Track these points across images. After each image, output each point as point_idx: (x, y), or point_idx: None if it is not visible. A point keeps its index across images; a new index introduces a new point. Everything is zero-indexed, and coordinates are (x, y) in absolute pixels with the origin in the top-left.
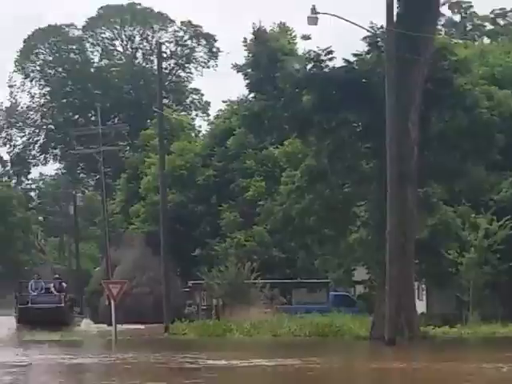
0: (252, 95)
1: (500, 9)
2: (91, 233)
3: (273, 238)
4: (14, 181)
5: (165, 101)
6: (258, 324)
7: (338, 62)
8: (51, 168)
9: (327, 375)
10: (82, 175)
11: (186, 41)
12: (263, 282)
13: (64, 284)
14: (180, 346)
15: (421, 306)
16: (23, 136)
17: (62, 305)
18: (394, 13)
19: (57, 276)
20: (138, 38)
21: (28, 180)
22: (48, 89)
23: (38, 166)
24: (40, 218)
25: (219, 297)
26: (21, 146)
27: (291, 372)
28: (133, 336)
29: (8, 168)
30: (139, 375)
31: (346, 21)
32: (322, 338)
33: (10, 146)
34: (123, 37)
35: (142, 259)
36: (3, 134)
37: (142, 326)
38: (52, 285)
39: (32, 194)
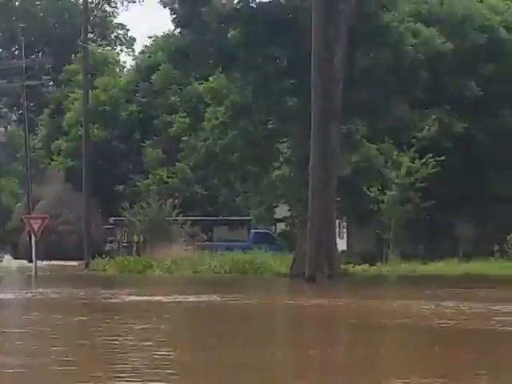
0: (178, 30)
1: None
2: (13, 168)
3: (195, 174)
4: None
5: (90, 35)
6: (179, 261)
7: None
8: None
9: (246, 310)
10: (4, 110)
11: None
12: (184, 218)
13: None
14: (100, 282)
15: (341, 244)
16: None
17: None
18: None
19: None
20: None
21: None
22: None
23: None
24: None
25: (140, 233)
26: None
27: (211, 307)
28: (53, 272)
29: None
30: (60, 310)
31: None
32: (243, 275)
33: None
34: None
35: (64, 195)
36: None
37: (63, 263)
38: None
39: None
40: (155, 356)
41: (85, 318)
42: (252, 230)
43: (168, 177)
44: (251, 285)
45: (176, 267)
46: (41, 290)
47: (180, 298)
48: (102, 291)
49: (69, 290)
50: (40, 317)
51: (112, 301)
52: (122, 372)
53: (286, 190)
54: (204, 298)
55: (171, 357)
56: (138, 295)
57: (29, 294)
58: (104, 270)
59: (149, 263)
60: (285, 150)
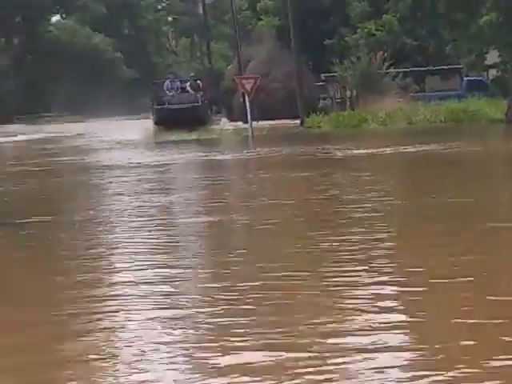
0: None
1: None
2: (222, 31)
3: (403, 26)
4: None
5: None
6: (393, 113)
7: None
8: None
9: (468, 158)
10: None
11: None
12: (396, 71)
13: (200, 82)
14: (316, 138)
15: None
16: None
17: (200, 104)
18: None
19: (192, 75)
20: None
21: None
22: None
23: None
24: (169, 18)
25: (353, 88)
26: None
27: (432, 155)
28: (269, 131)
29: None
30: (284, 165)
31: None
32: (458, 124)
33: None
34: None
35: (274, 54)
36: None
37: (277, 122)
38: (188, 84)
39: None
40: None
41: (308, 174)
42: (464, 78)
43: (376, 30)
44: (469, 132)
45: (390, 120)
46: (259, 150)
47: (401, 149)
48: (321, 146)
49: (287, 147)
50: (267, 174)
51: (333, 155)
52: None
53: (494, 35)
54: (424, 147)
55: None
56: (358, 148)
57: (248, 154)
58: (319, 127)
59: (363, 117)
60: None
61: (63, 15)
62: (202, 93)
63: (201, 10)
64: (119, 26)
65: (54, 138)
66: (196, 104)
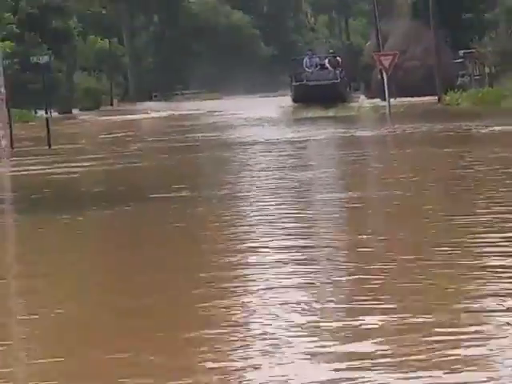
0: None
1: None
2: (360, 8)
3: None
4: None
5: None
6: None
7: None
8: None
9: None
10: None
11: None
12: None
13: (339, 59)
14: (454, 116)
15: None
16: None
17: (338, 80)
18: None
19: (331, 51)
20: None
21: None
22: None
23: None
24: None
25: (492, 65)
26: None
27: None
28: (407, 108)
29: None
30: (423, 143)
31: None
32: None
33: None
34: None
35: (412, 30)
36: None
37: (415, 99)
38: (327, 60)
39: None
40: None
41: (450, 150)
42: None
43: None
44: None
45: None
46: (397, 126)
47: None
48: (459, 123)
49: (427, 124)
50: (406, 151)
51: (475, 131)
52: None
53: None
54: None
55: None
56: (500, 125)
57: (386, 131)
58: (457, 104)
59: (503, 94)
60: None
61: None
62: (340, 69)
63: None
64: (258, 4)
65: (193, 115)
66: (335, 81)
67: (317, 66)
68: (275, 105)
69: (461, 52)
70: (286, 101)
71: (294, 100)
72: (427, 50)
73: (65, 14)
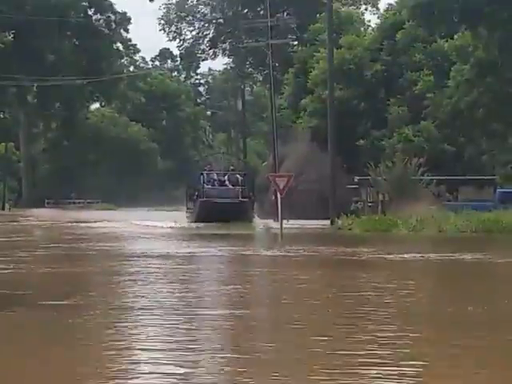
0: None
1: None
2: (259, 128)
3: (441, 132)
4: (183, 76)
5: None
6: (424, 219)
7: None
8: (220, 62)
9: (501, 269)
10: (250, 69)
11: None
12: (430, 178)
13: (239, 176)
14: (346, 241)
15: None
16: (193, 30)
17: (246, 199)
18: None
19: (232, 168)
20: None
21: (197, 75)
22: None
23: (206, 60)
24: (208, 113)
25: (386, 192)
26: (190, 41)
27: (461, 265)
28: (299, 230)
29: (177, 63)
30: (315, 266)
31: None
32: (488, 234)
33: (180, 40)
34: None
35: (309, 154)
36: (173, 28)
37: (307, 222)
38: (226, 177)
39: (201, 89)
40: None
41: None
42: (498, 190)
43: (413, 135)
44: (501, 244)
45: (421, 226)
46: (287, 248)
47: (442, 256)
48: (352, 249)
49: (318, 248)
50: (298, 273)
51: (364, 258)
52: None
53: None
54: (456, 256)
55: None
56: (389, 253)
57: (278, 252)
58: (350, 229)
59: (394, 222)
60: None
61: (103, 103)
62: (242, 187)
63: (240, 107)
64: (157, 117)
65: (85, 223)
66: (244, 199)
67: (215, 183)
68: (174, 218)
69: (356, 178)
70: (181, 217)
71: (198, 216)
72: (323, 174)
73: None
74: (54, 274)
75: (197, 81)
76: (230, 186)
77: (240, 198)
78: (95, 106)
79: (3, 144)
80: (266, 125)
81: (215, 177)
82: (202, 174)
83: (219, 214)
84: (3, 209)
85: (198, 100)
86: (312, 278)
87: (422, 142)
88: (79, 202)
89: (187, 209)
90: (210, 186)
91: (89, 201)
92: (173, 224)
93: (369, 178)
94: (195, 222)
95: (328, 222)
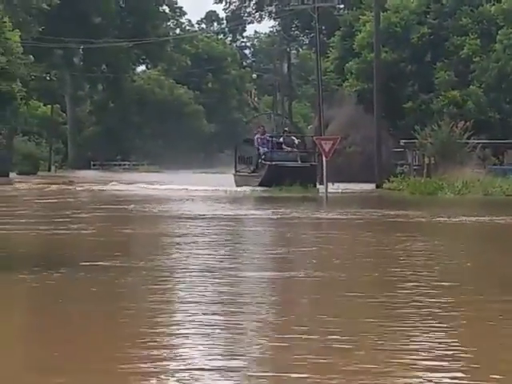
0: None
1: None
2: (304, 91)
3: (487, 97)
4: (229, 38)
5: None
6: (470, 183)
7: None
8: (266, 25)
9: None
10: (296, 33)
11: None
12: (476, 142)
13: (294, 139)
14: (392, 203)
15: None
16: None
17: (316, 163)
18: None
19: (286, 129)
20: None
21: (243, 38)
22: None
23: (253, 23)
24: (254, 75)
25: (431, 155)
26: (236, 3)
27: (506, 228)
28: (344, 193)
29: (223, 25)
30: (357, 228)
31: None
32: None
33: (226, 2)
34: None
35: (354, 117)
36: None
37: (353, 185)
38: (282, 140)
39: (246, 51)
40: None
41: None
42: None
43: (462, 100)
44: None
45: (466, 189)
46: (330, 210)
47: (489, 219)
48: (396, 212)
49: (360, 210)
50: (336, 235)
51: (412, 220)
52: None
53: None
54: (502, 219)
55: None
56: (435, 216)
57: (319, 215)
58: (399, 190)
59: (440, 185)
60: None
61: (148, 65)
62: (302, 151)
63: (286, 70)
64: (203, 80)
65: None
66: (314, 163)
67: (269, 145)
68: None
69: (402, 141)
70: (230, 179)
71: (265, 180)
72: (368, 138)
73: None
74: (126, 235)
75: (243, 44)
76: (288, 149)
77: (304, 162)
78: (141, 68)
79: (49, 106)
80: (311, 88)
81: (271, 139)
82: (255, 136)
83: (287, 177)
84: (49, 170)
85: (244, 63)
86: (388, 241)
87: (470, 105)
88: (124, 165)
89: (235, 171)
90: (266, 149)
91: (134, 163)
92: (236, 189)
93: (415, 141)
94: (260, 185)
95: (373, 185)
